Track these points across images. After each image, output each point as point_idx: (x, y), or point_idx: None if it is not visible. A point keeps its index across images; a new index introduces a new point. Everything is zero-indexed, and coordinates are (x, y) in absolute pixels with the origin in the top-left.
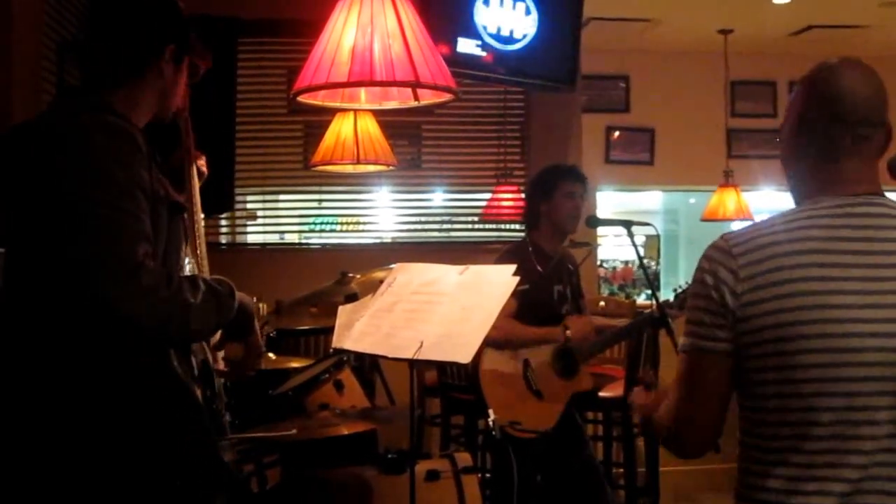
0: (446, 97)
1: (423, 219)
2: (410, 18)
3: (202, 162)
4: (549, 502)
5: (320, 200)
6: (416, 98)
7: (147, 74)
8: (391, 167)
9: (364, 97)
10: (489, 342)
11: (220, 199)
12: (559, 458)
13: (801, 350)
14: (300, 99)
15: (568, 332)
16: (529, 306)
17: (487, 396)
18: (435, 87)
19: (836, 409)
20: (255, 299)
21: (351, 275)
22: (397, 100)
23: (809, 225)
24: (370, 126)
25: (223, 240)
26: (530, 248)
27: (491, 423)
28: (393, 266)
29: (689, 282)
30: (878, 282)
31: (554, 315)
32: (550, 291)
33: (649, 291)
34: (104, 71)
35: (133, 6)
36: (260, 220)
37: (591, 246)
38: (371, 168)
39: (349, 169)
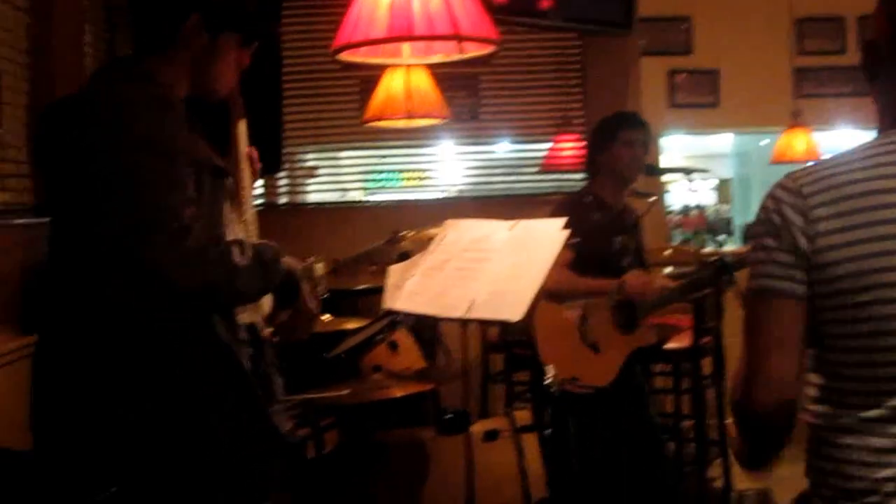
0: (491, 48)
1: (483, 171)
2: None
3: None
4: (607, 461)
5: (382, 156)
6: (461, 50)
7: (175, 44)
8: (445, 120)
9: (407, 52)
10: (544, 293)
11: (268, 160)
12: (619, 416)
13: (884, 300)
14: (339, 57)
15: (626, 287)
16: (587, 257)
17: (541, 349)
18: (476, 39)
19: None
20: (311, 259)
21: (403, 233)
22: (441, 53)
23: (888, 161)
24: (422, 80)
25: (282, 199)
26: (591, 198)
27: (550, 378)
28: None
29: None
30: None
31: (614, 267)
32: (609, 242)
33: (721, 237)
34: (141, 39)
35: None
36: (321, 178)
37: (654, 196)
38: (423, 122)
39: (401, 124)
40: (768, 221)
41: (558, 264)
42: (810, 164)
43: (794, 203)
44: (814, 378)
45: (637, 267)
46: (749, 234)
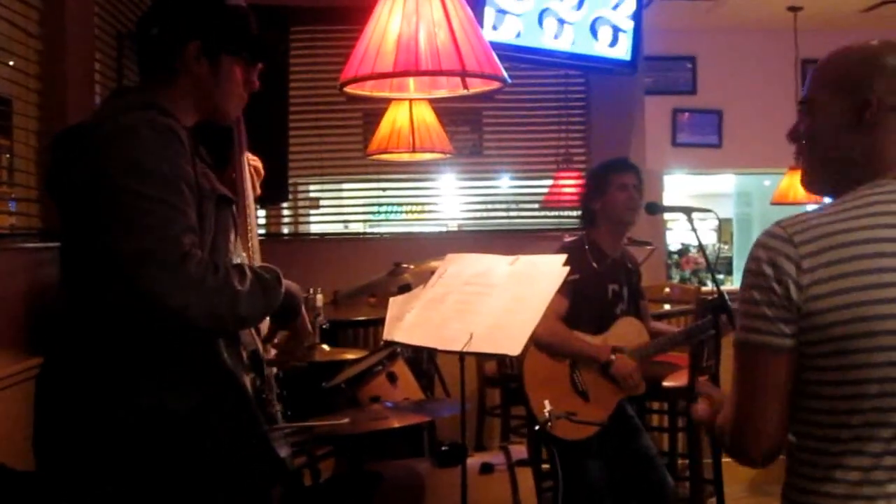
0: (495, 85)
1: (485, 206)
2: (456, 6)
3: (256, 162)
4: (608, 495)
5: (384, 189)
6: (465, 86)
7: (177, 72)
8: (448, 155)
9: (413, 86)
10: (535, 342)
11: (275, 190)
12: (613, 449)
13: (871, 348)
14: (347, 90)
15: (612, 368)
16: (582, 304)
17: (530, 394)
18: (481, 76)
19: None
20: (311, 290)
21: (404, 265)
22: (446, 88)
23: (876, 212)
24: (426, 114)
25: (286, 230)
26: (586, 247)
27: (546, 413)
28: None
29: None
30: None
31: (608, 314)
32: (605, 290)
33: (720, 276)
34: (146, 68)
35: (164, 2)
36: (323, 210)
37: (652, 245)
38: (427, 156)
39: (405, 157)
40: (759, 273)
41: (554, 315)
42: (799, 212)
43: (786, 252)
44: (793, 426)
45: (632, 315)
46: (742, 282)
